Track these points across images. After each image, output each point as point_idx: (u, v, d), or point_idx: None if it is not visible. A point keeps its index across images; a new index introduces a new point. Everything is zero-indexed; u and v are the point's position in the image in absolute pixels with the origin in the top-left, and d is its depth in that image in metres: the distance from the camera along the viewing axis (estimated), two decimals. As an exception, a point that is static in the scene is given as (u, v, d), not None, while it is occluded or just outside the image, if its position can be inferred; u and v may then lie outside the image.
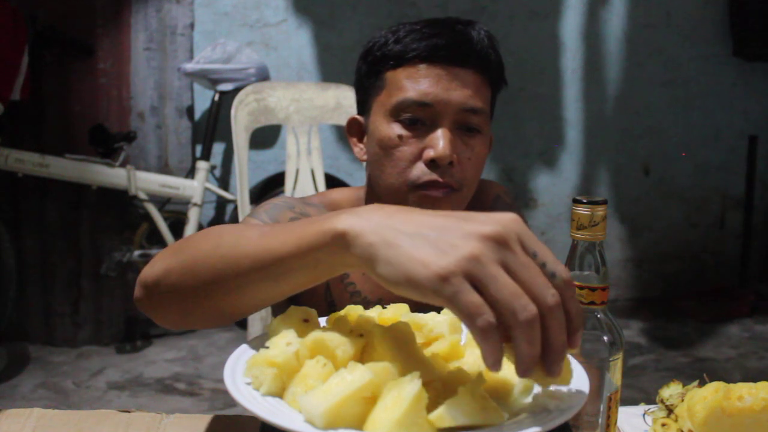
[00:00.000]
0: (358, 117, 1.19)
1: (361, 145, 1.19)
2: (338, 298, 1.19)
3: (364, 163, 1.22)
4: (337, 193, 1.25)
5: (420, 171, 1.07)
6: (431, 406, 0.64)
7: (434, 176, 1.07)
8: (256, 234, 0.75)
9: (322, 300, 1.19)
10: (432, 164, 1.07)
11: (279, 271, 0.71)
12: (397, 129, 1.08)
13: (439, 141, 1.06)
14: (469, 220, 0.61)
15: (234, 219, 3.23)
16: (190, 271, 0.80)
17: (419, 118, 1.08)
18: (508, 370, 0.73)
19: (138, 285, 0.91)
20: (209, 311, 0.82)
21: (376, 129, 1.11)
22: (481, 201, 1.26)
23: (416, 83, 1.07)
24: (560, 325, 0.57)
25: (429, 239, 0.58)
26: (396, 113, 1.08)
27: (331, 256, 0.66)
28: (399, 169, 1.09)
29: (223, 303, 0.80)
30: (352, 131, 1.21)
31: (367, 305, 1.17)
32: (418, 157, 1.08)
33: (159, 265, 0.86)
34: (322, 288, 1.19)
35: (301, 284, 0.72)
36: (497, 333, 0.56)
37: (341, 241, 0.64)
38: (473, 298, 0.55)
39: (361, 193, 1.25)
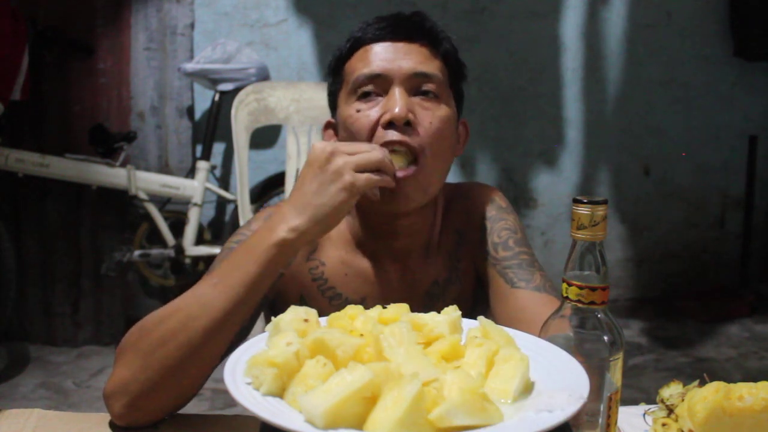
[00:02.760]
0: (330, 120, 1.24)
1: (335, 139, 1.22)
2: (315, 306, 1.18)
3: None
4: None
5: (379, 135, 1.09)
6: (431, 406, 0.64)
7: (392, 136, 1.08)
8: (210, 295, 0.96)
9: None
10: (390, 126, 1.09)
11: (247, 302, 0.97)
12: (355, 105, 1.12)
13: (392, 100, 1.09)
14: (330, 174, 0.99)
15: (234, 219, 3.23)
16: (160, 356, 0.94)
17: (373, 90, 1.12)
18: (508, 370, 0.73)
19: (111, 400, 0.96)
20: (190, 380, 0.97)
21: (341, 116, 1.15)
22: (476, 205, 1.24)
23: (367, 61, 1.13)
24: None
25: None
26: (353, 93, 1.13)
27: (283, 258, 0.98)
28: (361, 140, 1.10)
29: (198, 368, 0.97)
30: (327, 133, 1.24)
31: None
32: (376, 124, 1.10)
33: (121, 371, 0.96)
34: (297, 300, 1.18)
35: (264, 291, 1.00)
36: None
37: (286, 247, 0.97)
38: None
39: None
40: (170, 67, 3.26)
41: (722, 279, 3.93)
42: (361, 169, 0.99)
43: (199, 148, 3.33)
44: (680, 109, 3.82)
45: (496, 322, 1.15)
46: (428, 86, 1.12)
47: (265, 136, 3.37)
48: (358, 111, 1.12)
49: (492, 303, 1.20)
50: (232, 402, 2.34)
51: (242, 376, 0.72)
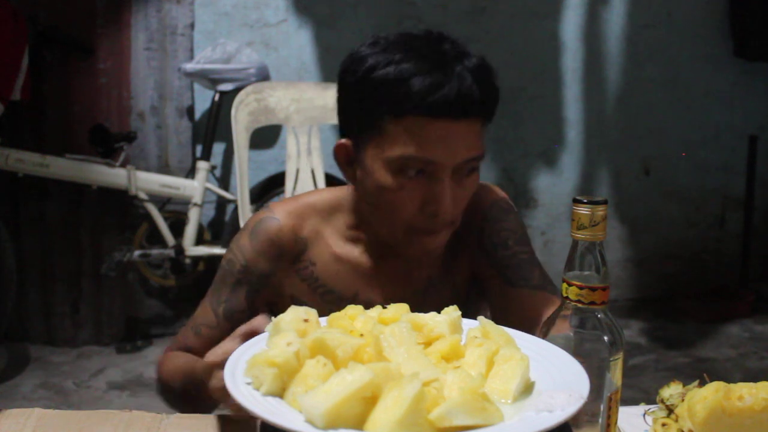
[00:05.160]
0: (345, 142, 1.13)
1: (351, 170, 1.14)
2: (306, 302, 1.19)
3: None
4: (315, 196, 1.24)
5: (418, 219, 1.07)
6: (431, 406, 0.64)
7: (431, 226, 1.08)
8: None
9: None
10: (431, 214, 1.07)
11: None
12: (399, 181, 1.05)
13: (444, 198, 1.05)
14: None
15: (234, 219, 3.23)
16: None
17: (421, 170, 1.05)
18: (508, 370, 0.73)
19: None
20: None
21: (373, 173, 1.07)
22: (477, 207, 1.23)
23: (419, 140, 1.03)
24: None
25: None
26: (397, 166, 1.05)
27: None
28: (397, 214, 1.08)
29: None
30: (340, 157, 1.15)
31: (342, 301, 1.18)
32: (417, 205, 1.07)
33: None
34: (288, 301, 1.20)
35: None
36: None
37: None
38: None
39: (340, 195, 1.23)
40: (170, 67, 3.25)
41: (722, 279, 3.93)
42: None
43: (199, 148, 3.32)
44: (680, 109, 3.82)
45: (495, 320, 1.17)
46: (473, 165, 1.09)
47: (265, 136, 3.37)
48: (401, 188, 1.05)
49: (491, 302, 1.21)
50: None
51: (242, 376, 0.72)
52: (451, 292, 1.22)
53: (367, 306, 1.18)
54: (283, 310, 1.19)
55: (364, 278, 1.20)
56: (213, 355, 0.96)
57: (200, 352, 1.11)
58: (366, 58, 1.05)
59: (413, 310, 0.88)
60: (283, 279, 1.20)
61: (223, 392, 0.93)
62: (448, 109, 1.01)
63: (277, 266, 1.19)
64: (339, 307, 1.17)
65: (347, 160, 1.14)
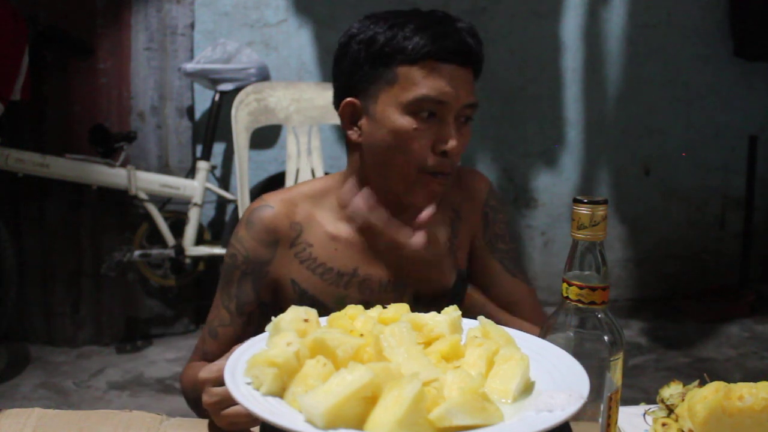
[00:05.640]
0: (352, 100, 1.19)
1: (356, 128, 1.21)
2: (306, 282, 1.24)
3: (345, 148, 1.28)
4: (305, 184, 1.31)
5: (431, 160, 1.16)
6: (431, 406, 0.64)
7: (443, 166, 1.17)
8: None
9: (293, 295, 1.24)
10: (443, 154, 1.16)
11: None
12: (413, 122, 1.14)
13: (452, 136, 1.15)
14: None
15: (234, 219, 3.23)
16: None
17: (433, 112, 1.14)
18: (508, 370, 0.73)
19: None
20: None
21: (387, 119, 1.15)
22: (474, 190, 1.33)
23: (433, 81, 1.13)
24: None
25: None
26: (412, 108, 1.14)
27: None
28: (412, 157, 1.15)
29: None
30: (345, 116, 1.21)
31: (342, 279, 1.23)
32: (430, 147, 1.16)
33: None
34: (288, 285, 1.24)
35: None
36: None
37: None
38: None
39: (329, 180, 1.29)
40: (170, 67, 3.25)
41: (722, 279, 3.93)
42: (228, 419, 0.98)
43: (199, 148, 3.33)
44: (680, 109, 3.82)
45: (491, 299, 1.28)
46: (470, 113, 1.19)
47: (265, 136, 3.37)
48: (415, 129, 1.14)
49: (486, 282, 1.32)
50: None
51: (242, 376, 0.72)
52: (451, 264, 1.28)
53: (368, 281, 1.21)
54: (285, 295, 1.23)
55: (362, 253, 1.24)
56: (207, 371, 0.97)
57: (220, 355, 1.14)
58: (369, 26, 1.16)
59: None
60: (282, 264, 1.23)
61: (213, 408, 0.95)
62: (455, 55, 1.14)
63: (275, 252, 1.23)
64: (339, 285, 1.22)
65: (352, 119, 1.21)
